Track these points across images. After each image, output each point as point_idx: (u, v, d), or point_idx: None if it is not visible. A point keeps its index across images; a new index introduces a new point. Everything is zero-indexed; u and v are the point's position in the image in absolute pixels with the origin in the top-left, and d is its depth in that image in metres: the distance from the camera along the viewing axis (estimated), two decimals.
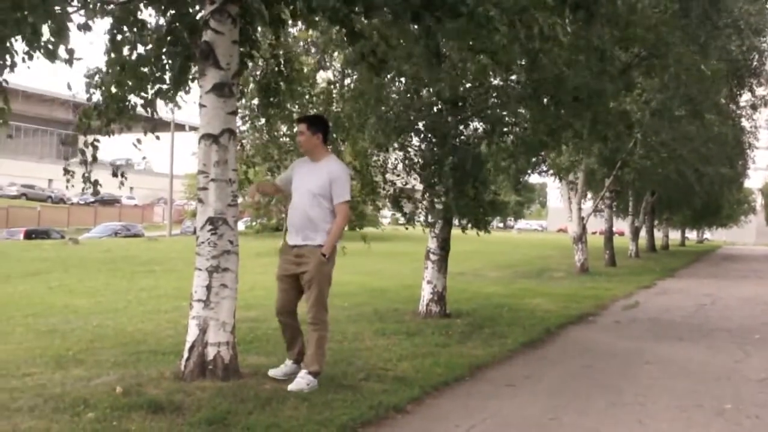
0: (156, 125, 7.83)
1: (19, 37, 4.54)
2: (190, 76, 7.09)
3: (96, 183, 7.51)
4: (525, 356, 8.42)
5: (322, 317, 6.23)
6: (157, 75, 7.10)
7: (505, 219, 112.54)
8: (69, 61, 5.44)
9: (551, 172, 23.45)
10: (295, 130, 6.49)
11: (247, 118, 10.90)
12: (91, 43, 6.59)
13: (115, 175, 7.73)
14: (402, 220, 11.67)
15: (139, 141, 7.69)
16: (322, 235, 6.16)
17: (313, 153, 6.37)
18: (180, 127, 63.23)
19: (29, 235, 40.06)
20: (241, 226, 38.21)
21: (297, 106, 10.62)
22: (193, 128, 53.53)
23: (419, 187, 11.34)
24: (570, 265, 24.00)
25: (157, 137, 8.01)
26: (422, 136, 10.97)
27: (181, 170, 56.49)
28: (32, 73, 5.20)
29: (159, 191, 73.19)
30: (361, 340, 8.54)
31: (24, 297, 13.74)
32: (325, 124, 6.61)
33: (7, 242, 35.34)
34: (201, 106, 6.24)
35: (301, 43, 11.04)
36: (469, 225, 10.72)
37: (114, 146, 8.13)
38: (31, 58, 5.48)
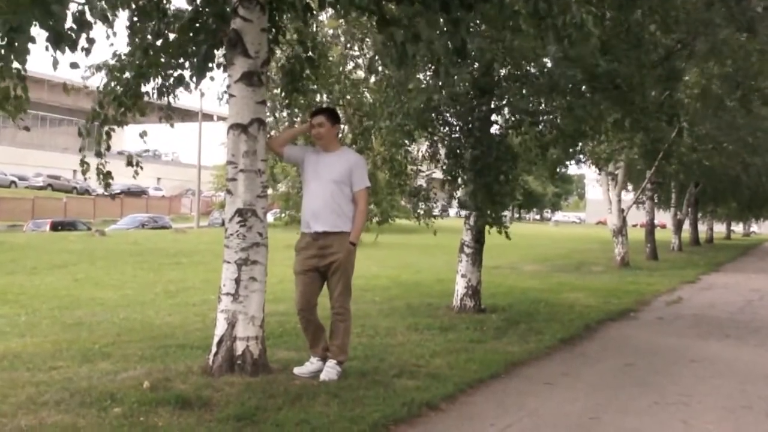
0: (171, 114, 7.88)
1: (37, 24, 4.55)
2: (214, 64, 7.10)
3: (108, 175, 7.59)
4: (563, 353, 8.37)
5: (347, 306, 6.35)
6: (180, 62, 7.14)
7: (542, 211, 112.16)
8: (87, 51, 5.46)
9: (590, 162, 23.26)
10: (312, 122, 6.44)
11: (267, 111, 10.95)
12: (109, 38, 6.60)
13: (129, 164, 7.79)
14: (420, 212, 11.67)
15: (145, 133, 7.76)
16: (347, 222, 6.27)
17: (330, 145, 6.46)
18: (208, 117, 63.83)
19: (55, 227, 40.53)
20: (270, 217, 38.48)
21: (323, 95, 10.62)
22: (221, 118, 53.96)
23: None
24: (609, 258, 23.82)
25: (172, 125, 8.06)
26: (448, 125, 10.94)
27: (209, 161, 56.85)
28: (62, 60, 5.15)
29: (187, 182, 73.76)
30: (393, 336, 8.54)
31: (50, 289, 13.94)
32: (339, 117, 6.81)
33: (33, 234, 35.85)
34: (230, 95, 6.26)
35: (330, 31, 11.04)
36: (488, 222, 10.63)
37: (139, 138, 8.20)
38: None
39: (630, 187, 28.88)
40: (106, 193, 9.10)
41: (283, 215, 42.44)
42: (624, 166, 23.83)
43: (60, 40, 4.80)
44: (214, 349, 6.14)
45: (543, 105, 10.90)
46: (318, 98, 10.62)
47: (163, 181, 76.67)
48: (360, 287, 13.01)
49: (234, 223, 6.14)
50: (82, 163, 7.41)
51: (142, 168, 7.85)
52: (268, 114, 10.68)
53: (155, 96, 7.41)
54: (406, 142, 11.15)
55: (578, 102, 10.21)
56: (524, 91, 10.44)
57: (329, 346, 6.34)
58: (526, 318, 10.29)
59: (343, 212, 6.26)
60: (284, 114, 10.58)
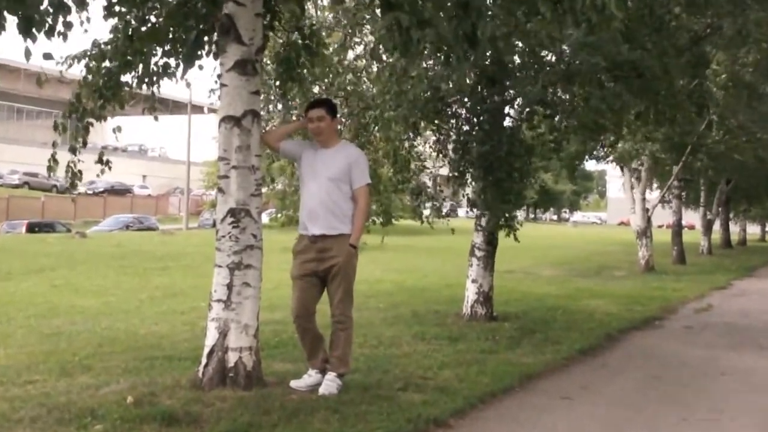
0: (155, 105, 7.88)
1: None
2: (204, 52, 7.09)
3: (77, 175, 7.58)
4: (582, 365, 8.36)
5: (349, 313, 6.33)
6: (166, 49, 7.13)
7: (560, 211, 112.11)
8: (64, 36, 5.45)
9: (611, 158, 23.23)
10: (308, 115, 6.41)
11: (262, 102, 10.94)
12: (83, 25, 6.57)
13: (100, 161, 7.76)
14: (426, 212, 11.68)
15: (119, 128, 7.75)
16: (346, 223, 6.25)
17: (330, 139, 6.45)
18: (198, 109, 63.80)
19: (32, 228, 40.55)
20: (265, 218, 38.40)
21: (321, 85, 10.61)
22: (212, 110, 53.93)
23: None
24: (633, 262, 23.78)
25: (156, 118, 8.06)
26: (456, 117, 10.94)
27: (199, 157, 56.93)
28: (35, 50, 5.10)
29: (175, 180, 73.83)
30: (398, 346, 8.53)
31: (26, 296, 13.94)
32: (337, 109, 6.80)
33: (7, 236, 35.90)
34: (221, 85, 6.26)
35: (330, 16, 11.04)
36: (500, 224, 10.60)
37: (126, 132, 8.20)
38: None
39: (655, 185, 28.83)
40: (72, 194, 9.07)
41: (279, 215, 42.40)
42: (648, 162, 23.79)
43: (30, 27, 4.78)
44: (204, 360, 6.14)
45: (559, 95, 10.89)
46: (316, 89, 10.63)
47: (150, 178, 76.75)
48: (362, 293, 12.99)
49: (226, 224, 6.14)
50: (52, 159, 7.39)
51: (110, 167, 7.84)
52: (262, 106, 10.70)
53: (138, 86, 7.39)
54: (411, 135, 11.14)
55: (598, 92, 10.19)
56: (539, 81, 10.42)
57: (329, 358, 6.33)
58: (542, 327, 10.27)
59: (341, 212, 6.25)
60: (279, 106, 10.57)
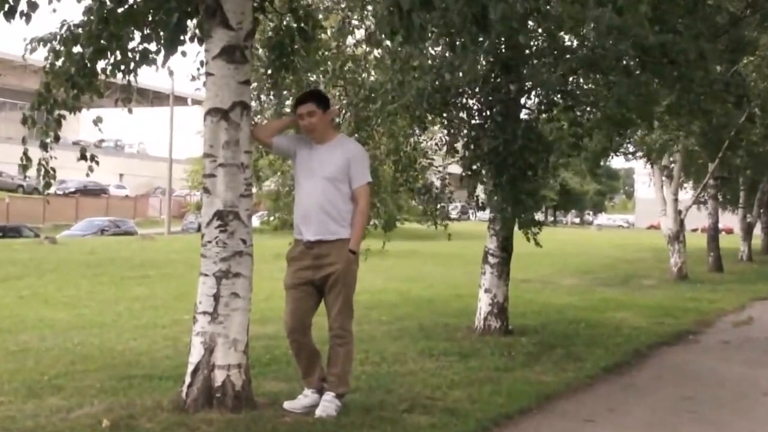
0: (131, 95, 7.86)
1: None
2: (187, 36, 7.08)
3: (49, 173, 7.53)
4: (608, 384, 8.35)
5: (348, 327, 6.33)
6: (145, 33, 7.12)
7: (582, 213, 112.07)
8: (27, 17, 5.43)
9: (639, 154, 23.19)
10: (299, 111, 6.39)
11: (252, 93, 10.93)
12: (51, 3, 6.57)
13: (83, 157, 7.71)
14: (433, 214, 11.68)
15: (100, 119, 7.70)
16: (345, 227, 6.24)
17: (325, 134, 6.44)
18: (181, 100, 63.88)
19: None
20: (256, 221, 38.45)
21: (317, 74, 10.60)
22: (197, 102, 54.02)
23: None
24: (664, 270, 23.75)
25: (130, 111, 8.05)
26: (467, 110, 10.93)
27: (182, 153, 56.93)
28: None
29: (155, 179, 73.86)
30: (403, 363, 8.53)
31: None
32: (329, 100, 6.78)
33: None
34: (207, 74, 6.26)
35: None
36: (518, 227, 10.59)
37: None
38: None
39: (688, 184, 28.78)
40: (43, 195, 9.00)
41: (271, 218, 42.45)
42: (681, 158, 23.75)
43: None
44: (188, 379, 6.14)
45: (581, 84, 10.88)
46: (313, 78, 10.62)
47: (127, 177, 76.69)
48: (363, 304, 12.98)
49: (212, 227, 6.14)
50: (24, 157, 7.37)
51: (97, 163, 7.80)
52: (252, 97, 10.68)
53: (113, 75, 7.36)
54: (416, 130, 11.12)
55: (625, 81, 10.18)
56: (558, 68, 10.41)
57: (326, 376, 6.33)
58: (562, 341, 10.27)
59: (339, 215, 6.24)
60: (271, 97, 10.57)
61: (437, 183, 11.77)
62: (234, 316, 6.12)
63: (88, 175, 7.74)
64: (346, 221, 6.26)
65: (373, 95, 10.51)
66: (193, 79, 9.75)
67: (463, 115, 11.07)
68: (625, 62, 10.13)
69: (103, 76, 7.35)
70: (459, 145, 11.16)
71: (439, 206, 11.66)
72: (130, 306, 14.29)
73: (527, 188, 10.27)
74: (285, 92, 10.14)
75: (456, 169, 11.70)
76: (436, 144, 11.98)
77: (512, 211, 10.29)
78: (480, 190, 11.04)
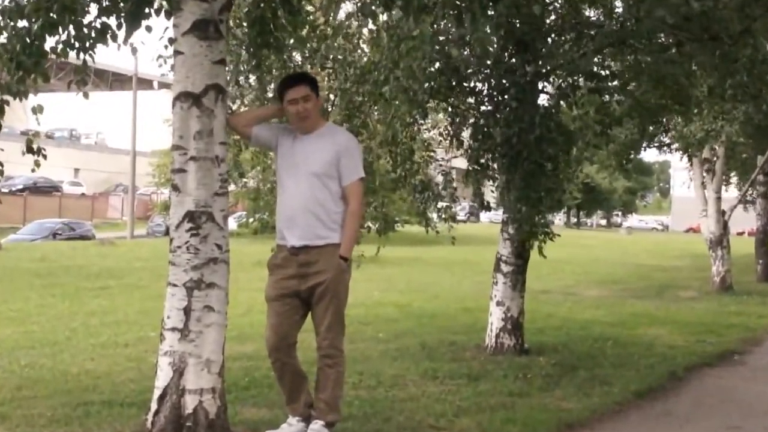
0: (87, 78, 7.81)
1: None
2: (153, 9, 7.06)
3: None
4: (640, 411, 8.36)
5: (340, 345, 6.32)
6: (104, 5, 7.09)
7: (610, 213, 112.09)
8: None
9: (676, 145, 23.16)
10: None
11: (229, 75, 10.90)
12: None
13: (30, 150, 7.65)
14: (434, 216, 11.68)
15: (40, 109, 7.60)
16: (335, 230, 6.24)
17: (314, 123, 6.44)
18: (145, 83, 63.83)
19: None
20: (233, 223, 38.48)
21: (303, 53, 10.59)
22: (164, 85, 53.99)
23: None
24: (704, 279, 23.77)
25: (85, 96, 8.00)
26: (475, 94, 10.93)
27: (147, 145, 56.94)
28: None
29: (116, 175, 73.90)
30: (403, 386, 8.55)
31: None
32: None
33: None
34: (176, 52, 6.26)
35: None
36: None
37: (52, 113, 8.09)
38: None
39: (733, 181, 28.77)
40: (6, 190, 8.96)
41: (251, 220, 42.46)
42: (724, 150, 23.73)
43: None
44: (154, 406, 6.14)
45: (609, 64, 10.87)
46: (298, 58, 10.62)
47: (83, 173, 76.73)
48: (357, 319, 12.99)
49: (182, 230, 6.14)
50: None
51: (45, 157, 7.75)
52: (229, 79, 10.66)
53: (66, 54, 7.32)
54: (416, 117, 11.09)
55: (659, 58, 10.17)
56: (583, 46, 10.41)
57: (314, 402, 6.33)
58: (586, 362, 10.29)
59: (328, 217, 6.23)
60: (251, 80, 10.55)
61: (438, 179, 11.75)
62: (207, 333, 6.12)
63: (34, 170, 7.69)
64: (336, 224, 6.24)
65: (366, 76, 10.50)
66: (160, 60, 9.74)
67: (471, 100, 11.07)
68: (660, 39, 10.12)
69: (53, 56, 7.33)
70: (465, 135, 11.15)
71: (441, 206, 11.63)
72: (87, 322, 14.28)
73: (545, 185, 10.25)
74: (267, 75, 10.12)
75: (462, 163, 11.69)
76: (440, 134, 11.97)
77: (527, 213, 10.28)
78: (486, 188, 11.02)
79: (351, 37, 11.21)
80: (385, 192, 13.06)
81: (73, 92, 7.90)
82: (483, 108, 10.89)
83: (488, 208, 11.20)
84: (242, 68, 10.21)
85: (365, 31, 11.14)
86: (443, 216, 11.60)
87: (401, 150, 11.14)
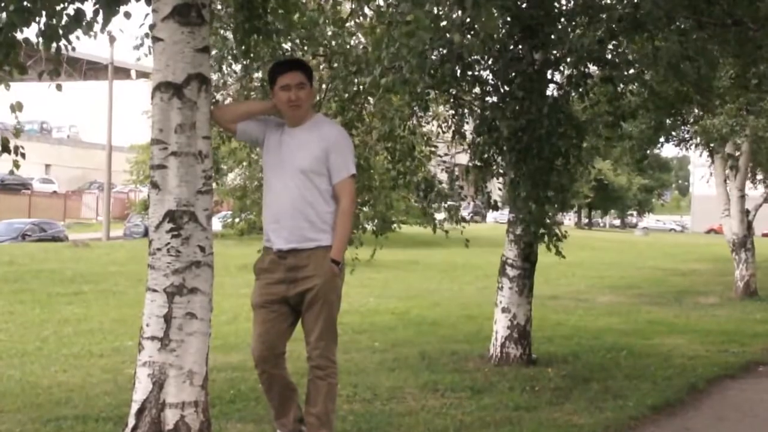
0: (60, 68, 7.80)
1: None
2: None
3: None
4: (656, 427, 8.36)
5: (332, 356, 6.30)
6: None
7: (624, 213, 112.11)
8: None
9: (696, 140, 23.16)
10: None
11: (213, 63, 10.89)
12: None
13: (6, 150, 7.65)
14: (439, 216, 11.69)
15: (19, 107, 7.56)
16: (326, 232, 6.23)
17: (305, 115, 6.43)
18: (122, 72, 63.76)
19: None
20: (216, 224, 38.43)
21: (294, 40, 10.58)
22: (143, 74, 53.84)
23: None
24: (727, 284, 23.80)
25: (59, 87, 7.99)
26: (480, 84, 10.93)
27: (124, 139, 56.88)
28: None
29: (91, 171, 73.79)
30: (401, 399, 8.56)
31: None
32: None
33: None
34: (155, 39, 6.26)
35: None
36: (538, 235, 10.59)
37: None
38: None
39: (759, 178, 28.80)
40: None
41: (236, 220, 42.44)
42: (748, 145, 23.73)
43: None
44: (132, 421, 6.14)
45: (623, 51, 10.87)
46: (287, 45, 10.61)
47: (55, 169, 76.66)
48: (351, 327, 13.01)
49: (163, 231, 6.14)
50: None
51: (24, 156, 7.75)
52: (213, 68, 10.66)
53: (40, 44, 7.32)
54: (415, 109, 11.09)
55: (677, 41, 10.16)
56: (594, 30, 10.41)
57: (305, 416, 6.34)
58: (599, 374, 10.30)
59: (318, 217, 6.22)
60: (237, 69, 10.55)
61: (442, 177, 11.74)
62: (190, 342, 6.11)
63: (12, 172, 7.69)
64: (326, 224, 6.23)
65: (362, 65, 10.49)
66: (142, 50, 9.74)
67: (476, 90, 11.05)
68: (678, 23, 10.12)
69: (25, 45, 7.31)
70: (468, 129, 11.15)
71: (450, 206, 11.62)
72: (59, 330, 14.28)
73: (556, 183, 10.25)
74: (255, 64, 10.11)
75: (464, 159, 11.70)
76: (440, 127, 11.97)
77: (537, 212, 10.27)
78: (493, 185, 11.01)
79: (346, 23, 11.21)
80: (385, 190, 13.04)
81: (45, 83, 7.88)
82: (489, 99, 10.87)
83: (495, 207, 11.19)
84: (225, 55, 10.23)
85: (359, 14, 11.14)
86: (453, 217, 11.59)
87: (400, 145, 11.14)
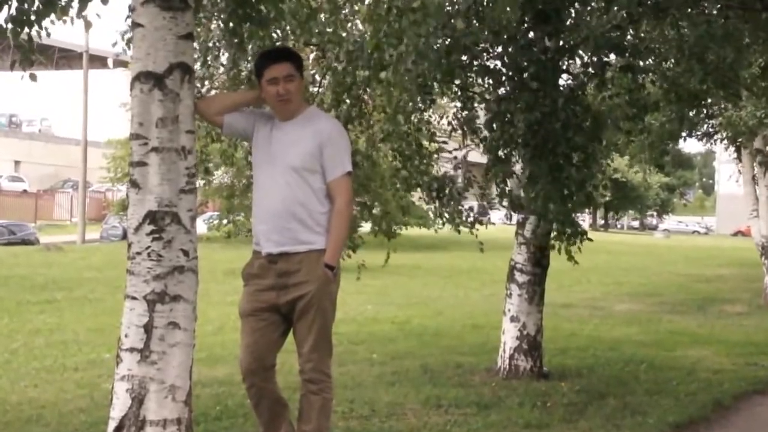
0: (31, 56, 7.81)
1: None
2: None
3: None
4: None
5: (326, 369, 6.30)
6: None
7: (644, 213, 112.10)
8: None
9: (722, 134, 23.15)
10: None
11: (198, 52, 10.88)
12: None
13: None
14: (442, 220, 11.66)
15: None
16: (320, 234, 6.22)
17: (296, 109, 6.43)
18: (98, 61, 63.74)
19: None
20: (201, 226, 38.42)
21: (286, 27, 10.59)
22: (121, 63, 53.80)
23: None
24: (755, 291, 23.80)
25: (33, 78, 7.99)
26: (491, 74, 10.92)
27: (100, 134, 56.85)
28: None
29: (65, 169, 73.79)
30: (401, 416, 8.58)
31: None
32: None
33: None
34: (135, 25, 6.26)
35: None
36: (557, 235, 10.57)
37: None
38: None
39: None
40: None
41: (223, 222, 42.42)
42: None
43: None
44: None
45: (643, 38, 10.87)
46: (278, 33, 10.62)
47: (25, 166, 76.65)
48: (348, 338, 13.02)
49: (143, 234, 6.13)
50: None
51: None
52: (197, 57, 10.66)
53: (11, 31, 7.34)
54: (421, 105, 11.07)
55: (703, 24, 10.17)
56: (612, 16, 10.41)
57: None
58: (616, 389, 10.31)
59: (311, 218, 6.22)
60: (224, 59, 10.54)
61: (457, 176, 11.72)
62: (172, 355, 6.11)
63: None
64: (320, 226, 6.22)
65: (357, 53, 10.48)
66: (124, 39, 9.74)
67: (489, 80, 11.03)
68: (703, 8, 10.12)
69: None
70: (479, 123, 11.13)
71: (469, 207, 11.56)
72: (30, 342, 14.28)
73: (575, 179, 10.22)
74: (243, 54, 10.11)
75: (473, 156, 11.68)
76: (449, 122, 11.94)
77: (559, 209, 10.24)
78: (511, 184, 10.97)
79: (343, 10, 11.21)
80: (393, 190, 12.99)
81: (17, 73, 7.88)
82: (501, 90, 10.84)
83: (521, 207, 11.04)
84: (212, 43, 10.21)
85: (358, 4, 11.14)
86: (477, 219, 11.54)
87: (407, 144, 11.05)
